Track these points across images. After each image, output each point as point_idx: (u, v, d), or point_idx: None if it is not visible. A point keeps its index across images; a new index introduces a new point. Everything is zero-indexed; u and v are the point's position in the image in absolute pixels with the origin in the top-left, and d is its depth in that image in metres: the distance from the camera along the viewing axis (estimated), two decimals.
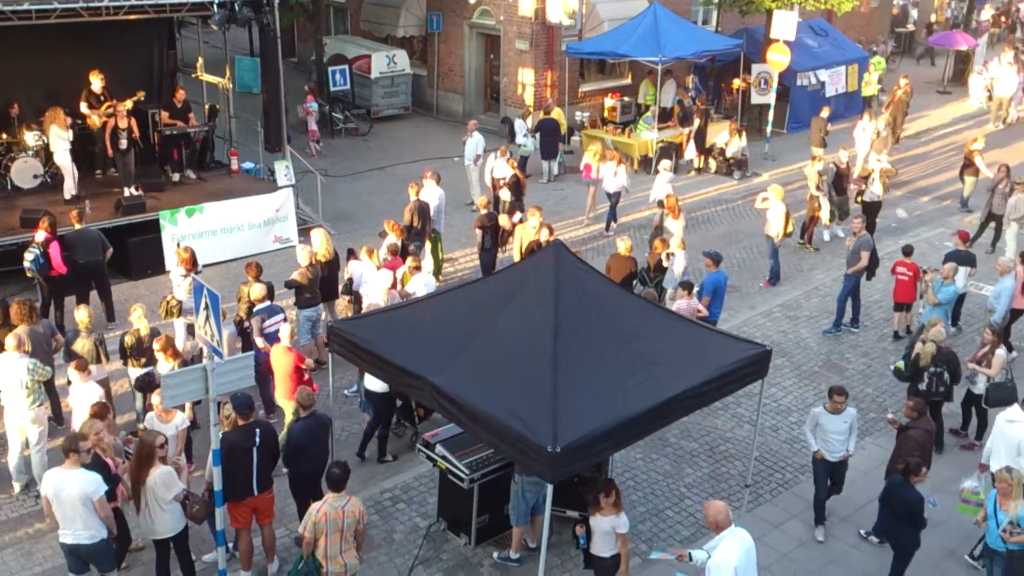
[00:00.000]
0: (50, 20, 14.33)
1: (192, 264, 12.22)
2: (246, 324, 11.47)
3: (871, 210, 17.11)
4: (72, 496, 7.76)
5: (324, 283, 12.66)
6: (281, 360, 10.36)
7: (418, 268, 12.46)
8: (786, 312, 15.01)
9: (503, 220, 15.22)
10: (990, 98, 26.82)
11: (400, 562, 9.38)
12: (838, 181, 17.41)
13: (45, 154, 16.04)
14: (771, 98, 22.62)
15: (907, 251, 13.98)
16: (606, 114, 22.84)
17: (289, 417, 10.29)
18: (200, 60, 19.03)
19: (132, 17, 15.47)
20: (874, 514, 9.81)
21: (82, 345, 10.42)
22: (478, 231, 14.77)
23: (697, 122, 21.39)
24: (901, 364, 11.24)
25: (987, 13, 38.31)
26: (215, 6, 15.85)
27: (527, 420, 7.39)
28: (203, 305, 7.87)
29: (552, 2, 22.01)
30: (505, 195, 16.22)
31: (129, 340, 10.58)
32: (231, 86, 18.71)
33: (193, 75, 19.28)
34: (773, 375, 11.12)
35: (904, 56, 34.94)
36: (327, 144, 22.52)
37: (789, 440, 11.55)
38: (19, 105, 16.21)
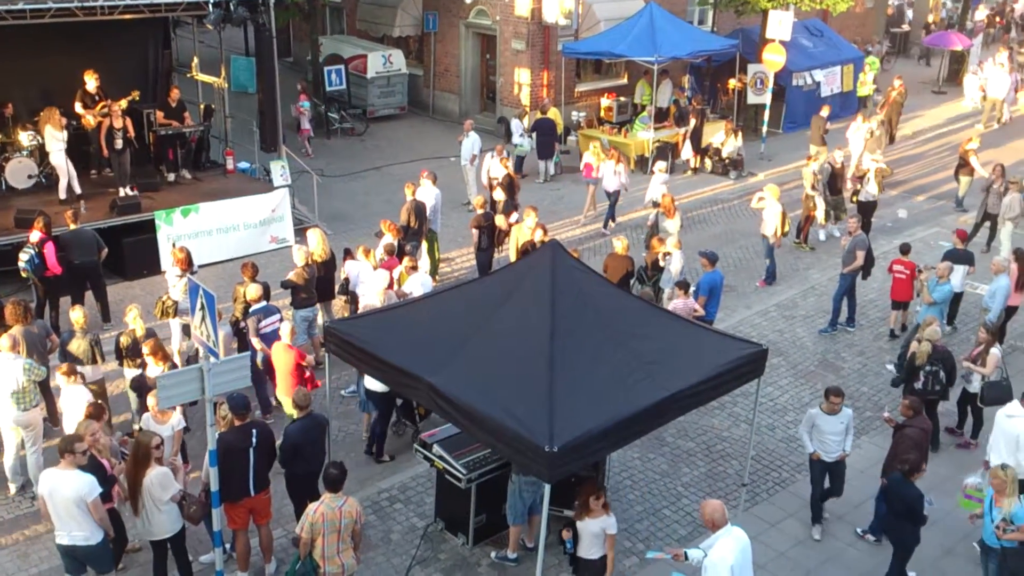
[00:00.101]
0: (45, 20, 14.32)
1: (188, 264, 12.22)
2: (242, 324, 11.45)
3: (867, 210, 17.15)
4: (66, 498, 7.73)
5: (320, 283, 12.65)
6: (282, 357, 10.37)
7: (414, 268, 12.46)
8: (782, 311, 15.03)
9: (499, 220, 15.22)
10: (985, 98, 26.86)
11: (397, 562, 9.37)
12: (833, 181, 17.44)
13: (40, 154, 16.01)
14: (767, 98, 22.63)
15: (904, 249, 13.99)
16: (602, 114, 22.86)
17: (290, 413, 10.26)
18: (195, 60, 19.00)
19: (127, 17, 15.47)
20: (870, 513, 9.86)
21: (77, 346, 10.39)
22: (474, 231, 14.78)
23: (693, 122, 21.41)
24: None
25: (982, 13, 38.38)
26: (210, 5, 15.82)
27: (524, 420, 7.39)
28: (199, 305, 7.87)
29: (548, 2, 21.98)
30: (498, 195, 16.23)
31: (125, 341, 10.57)
32: (226, 86, 18.66)
33: (188, 75, 19.25)
34: (769, 374, 11.11)
35: (900, 56, 34.97)
36: (323, 144, 22.48)
37: (785, 439, 11.57)
38: (14, 105, 16.18)
